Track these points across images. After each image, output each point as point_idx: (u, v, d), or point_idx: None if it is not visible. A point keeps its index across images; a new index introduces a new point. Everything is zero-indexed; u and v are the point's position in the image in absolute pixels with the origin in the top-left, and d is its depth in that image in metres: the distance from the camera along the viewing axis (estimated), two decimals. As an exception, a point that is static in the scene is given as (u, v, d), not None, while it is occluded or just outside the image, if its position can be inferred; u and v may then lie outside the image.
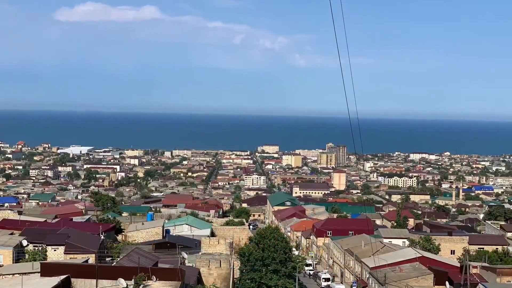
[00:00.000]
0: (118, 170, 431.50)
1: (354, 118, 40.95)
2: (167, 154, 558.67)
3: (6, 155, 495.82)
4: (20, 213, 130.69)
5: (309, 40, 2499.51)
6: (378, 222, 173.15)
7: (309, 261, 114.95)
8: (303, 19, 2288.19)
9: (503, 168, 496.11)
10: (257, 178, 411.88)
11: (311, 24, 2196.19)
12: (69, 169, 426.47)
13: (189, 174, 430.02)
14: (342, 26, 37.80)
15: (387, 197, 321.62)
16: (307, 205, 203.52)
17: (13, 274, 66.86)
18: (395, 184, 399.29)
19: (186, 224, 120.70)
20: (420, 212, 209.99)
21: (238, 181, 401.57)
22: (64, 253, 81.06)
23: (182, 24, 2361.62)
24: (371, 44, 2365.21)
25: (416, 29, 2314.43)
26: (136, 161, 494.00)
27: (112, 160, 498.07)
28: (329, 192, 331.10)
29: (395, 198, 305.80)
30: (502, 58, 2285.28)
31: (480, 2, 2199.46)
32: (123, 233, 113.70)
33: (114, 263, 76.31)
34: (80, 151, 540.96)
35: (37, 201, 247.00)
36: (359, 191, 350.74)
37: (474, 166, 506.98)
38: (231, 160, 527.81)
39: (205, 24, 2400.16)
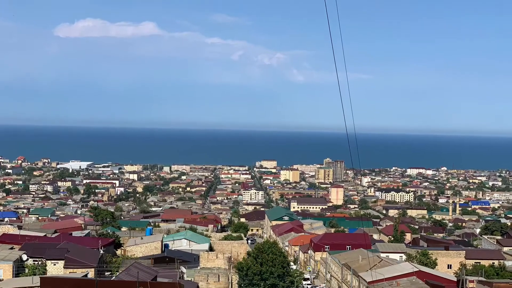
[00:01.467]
0: (117, 185, 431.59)
1: (351, 133, 41.68)
2: (166, 169, 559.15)
3: (6, 170, 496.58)
4: (20, 227, 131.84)
5: (307, 56, 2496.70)
6: (375, 236, 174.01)
7: (307, 276, 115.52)
8: (301, 35, 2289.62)
9: (500, 183, 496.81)
10: (255, 193, 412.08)
11: (309, 40, 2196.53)
12: (68, 184, 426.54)
13: (188, 189, 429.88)
14: (340, 42, 38.90)
15: (384, 212, 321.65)
16: (305, 219, 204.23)
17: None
18: (392, 199, 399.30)
19: (185, 239, 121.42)
20: (417, 227, 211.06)
21: (237, 196, 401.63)
22: (64, 268, 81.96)
23: (180, 40, 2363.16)
24: (370, 60, 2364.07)
25: (415, 46, 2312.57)
26: (135, 176, 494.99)
27: (111, 175, 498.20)
28: (326, 207, 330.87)
29: (392, 213, 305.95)
30: (499, 75, 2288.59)
31: (479, 20, 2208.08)
32: (122, 248, 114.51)
33: (113, 277, 77.12)
34: (80, 166, 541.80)
35: (37, 216, 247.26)
36: (356, 206, 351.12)
37: (470, 181, 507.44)
38: (229, 175, 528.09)
39: (204, 40, 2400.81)
